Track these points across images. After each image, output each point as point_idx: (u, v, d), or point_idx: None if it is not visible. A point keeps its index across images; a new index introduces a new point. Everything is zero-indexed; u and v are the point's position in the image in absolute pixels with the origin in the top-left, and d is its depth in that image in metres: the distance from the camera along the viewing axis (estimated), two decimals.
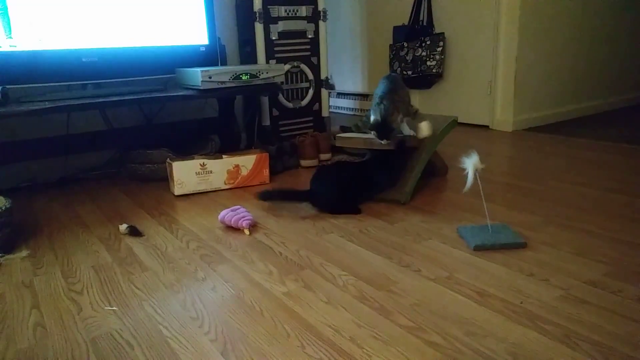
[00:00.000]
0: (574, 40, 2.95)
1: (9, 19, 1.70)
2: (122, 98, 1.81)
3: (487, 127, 2.86)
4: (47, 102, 1.71)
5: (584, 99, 3.14)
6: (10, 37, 1.72)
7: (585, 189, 1.68)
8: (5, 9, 1.69)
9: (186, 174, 1.76)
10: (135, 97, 1.84)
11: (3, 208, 1.31)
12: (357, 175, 1.59)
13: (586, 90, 3.14)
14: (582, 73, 3.08)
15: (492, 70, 2.76)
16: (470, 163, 1.28)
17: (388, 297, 1.02)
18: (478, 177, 1.27)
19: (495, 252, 1.21)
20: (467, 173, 1.28)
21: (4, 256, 1.29)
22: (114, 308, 1.03)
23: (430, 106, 3.14)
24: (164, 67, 2.05)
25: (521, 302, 0.97)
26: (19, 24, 1.73)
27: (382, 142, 1.55)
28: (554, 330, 0.88)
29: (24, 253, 1.33)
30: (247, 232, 1.41)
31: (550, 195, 1.63)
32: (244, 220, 1.42)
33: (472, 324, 0.91)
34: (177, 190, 1.76)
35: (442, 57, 2.92)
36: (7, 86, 1.70)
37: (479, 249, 1.22)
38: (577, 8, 2.91)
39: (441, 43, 2.89)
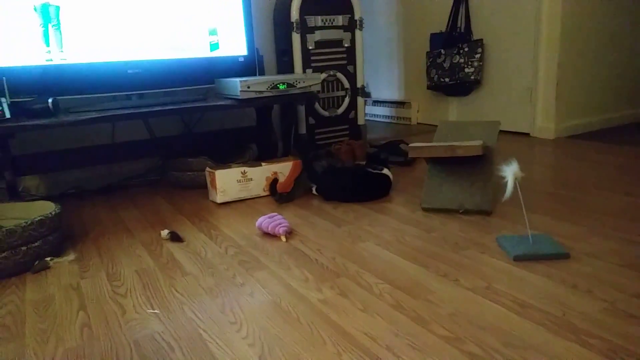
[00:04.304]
0: (619, 43, 2.86)
1: (61, 34, 1.79)
2: (165, 108, 1.87)
3: (527, 134, 2.80)
4: (94, 112, 1.79)
5: (630, 105, 3.03)
6: (62, 51, 1.81)
7: (630, 198, 1.62)
8: (58, 24, 1.78)
9: (228, 182, 1.80)
10: (177, 106, 1.89)
11: (53, 213, 1.38)
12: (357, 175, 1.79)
13: (633, 96, 3.02)
14: (629, 78, 2.97)
15: (532, 76, 2.70)
16: (510, 171, 1.25)
17: (425, 306, 1.01)
18: (518, 186, 1.24)
19: (536, 263, 1.18)
20: (507, 182, 1.26)
21: (53, 259, 1.35)
22: (156, 311, 1.06)
23: (469, 113, 3.10)
24: (204, 77, 2.10)
25: (563, 314, 0.95)
26: (70, 37, 1.82)
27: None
28: (598, 344, 0.85)
29: (72, 256, 1.39)
30: (283, 238, 1.42)
31: (594, 205, 1.58)
32: (280, 227, 1.43)
33: (511, 335, 0.89)
34: (220, 198, 1.80)
35: (481, 63, 2.88)
36: (58, 97, 1.79)
37: (519, 259, 1.20)
38: (621, 11, 2.81)
39: (479, 49, 2.85)
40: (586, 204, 1.59)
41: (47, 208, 1.49)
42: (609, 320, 0.92)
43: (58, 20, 1.78)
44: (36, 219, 1.31)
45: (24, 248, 1.28)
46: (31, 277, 1.27)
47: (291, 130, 2.51)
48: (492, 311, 0.98)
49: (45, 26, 1.76)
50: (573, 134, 2.74)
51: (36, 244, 1.31)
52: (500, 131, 2.86)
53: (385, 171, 1.80)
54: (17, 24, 1.72)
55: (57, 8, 1.77)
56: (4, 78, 1.69)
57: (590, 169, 2.01)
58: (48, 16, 1.76)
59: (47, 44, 1.78)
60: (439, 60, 3.03)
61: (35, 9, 1.74)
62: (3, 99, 1.64)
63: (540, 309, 0.97)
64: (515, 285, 1.08)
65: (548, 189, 1.78)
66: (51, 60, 1.80)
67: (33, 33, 1.75)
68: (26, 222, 1.28)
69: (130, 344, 0.94)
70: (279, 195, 1.81)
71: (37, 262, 1.31)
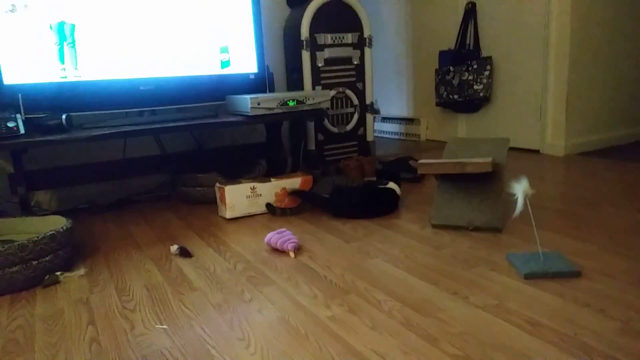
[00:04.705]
0: (629, 60, 2.85)
1: (75, 51, 1.83)
2: (176, 124, 1.89)
3: (537, 151, 2.79)
4: (106, 129, 1.82)
5: None
6: (76, 68, 1.84)
7: None
8: (73, 42, 1.82)
9: (237, 197, 1.81)
10: (188, 123, 1.91)
11: (64, 228, 1.39)
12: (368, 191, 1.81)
13: None
14: (639, 94, 2.96)
15: (542, 92, 2.70)
16: (520, 188, 1.25)
17: (435, 325, 1.00)
18: (528, 203, 1.24)
19: (547, 281, 1.17)
20: (517, 199, 1.25)
21: (63, 274, 1.36)
22: (165, 326, 1.06)
23: (478, 130, 3.09)
24: (215, 94, 2.13)
25: (575, 334, 0.93)
26: (84, 55, 1.85)
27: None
28: None
29: (82, 271, 1.40)
30: (292, 254, 1.42)
31: (605, 223, 1.56)
32: (289, 243, 1.43)
33: (523, 354, 0.88)
34: (229, 214, 1.80)
35: (490, 80, 2.89)
36: (71, 113, 1.82)
37: (530, 277, 1.18)
38: (631, 28, 2.82)
39: (488, 66, 2.86)
40: (597, 221, 1.58)
41: (58, 223, 1.50)
42: (623, 340, 0.90)
43: (73, 38, 1.82)
44: (47, 234, 1.32)
45: (35, 262, 1.29)
46: (41, 292, 1.28)
47: (300, 146, 2.52)
48: (502, 330, 0.97)
49: (60, 44, 1.80)
50: (583, 151, 2.73)
51: (47, 258, 1.32)
52: (510, 148, 2.86)
53: (391, 185, 1.80)
54: (34, 42, 1.76)
55: (73, 27, 1.81)
56: (19, 95, 1.72)
57: (601, 186, 2.00)
58: (63, 34, 1.80)
59: (62, 62, 1.82)
60: (447, 77, 3.04)
61: (51, 27, 1.78)
62: (18, 115, 1.67)
63: (552, 328, 0.96)
64: (526, 304, 1.06)
65: (558, 206, 1.77)
66: (66, 77, 1.83)
67: (48, 51, 1.79)
68: (38, 237, 1.29)
69: (139, 359, 0.94)
70: (279, 209, 1.81)
71: (47, 277, 1.32)
